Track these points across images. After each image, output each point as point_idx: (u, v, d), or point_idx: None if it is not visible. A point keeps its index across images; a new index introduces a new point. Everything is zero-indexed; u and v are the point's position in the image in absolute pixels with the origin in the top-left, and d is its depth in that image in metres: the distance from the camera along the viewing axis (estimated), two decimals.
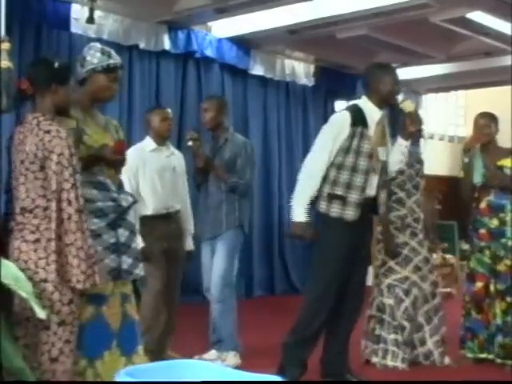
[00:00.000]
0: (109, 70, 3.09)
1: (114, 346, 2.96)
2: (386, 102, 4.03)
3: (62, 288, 2.66)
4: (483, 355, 4.67)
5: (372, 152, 3.89)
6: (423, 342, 4.64)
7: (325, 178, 3.89)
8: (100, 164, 3.00)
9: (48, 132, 2.69)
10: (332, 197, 3.87)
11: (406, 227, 4.64)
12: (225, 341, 4.47)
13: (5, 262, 2.54)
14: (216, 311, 4.48)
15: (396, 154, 4.05)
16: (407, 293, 4.60)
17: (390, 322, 4.57)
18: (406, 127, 4.03)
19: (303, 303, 4.04)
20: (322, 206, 3.90)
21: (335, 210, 3.87)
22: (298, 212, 3.83)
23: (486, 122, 4.71)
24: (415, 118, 4.05)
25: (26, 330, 2.65)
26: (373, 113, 3.97)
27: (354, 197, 3.86)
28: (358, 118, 3.91)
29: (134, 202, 3.13)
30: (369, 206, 3.95)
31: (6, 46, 3.69)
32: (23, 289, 2.45)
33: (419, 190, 4.73)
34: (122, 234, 3.01)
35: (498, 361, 4.59)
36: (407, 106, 4.01)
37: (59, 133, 2.69)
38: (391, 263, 4.63)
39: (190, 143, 4.55)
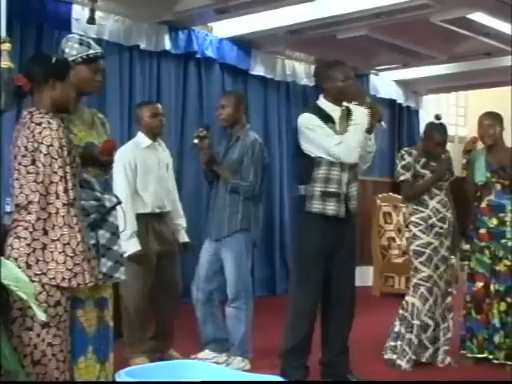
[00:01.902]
0: (89, 60, 3.02)
1: (89, 352, 2.90)
2: (339, 99, 3.99)
3: (49, 289, 2.58)
4: (483, 355, 4.68)
5: None
6: (436, 341, 4.68)
7: (314, 178, 3.90)
8: (87, 163, 2.92)
9: (39, 124, 2.62)
10: (326, 194, 3.88)
11: (431, 228, 4.65)
12: (235, 345, 4.44)
13: (5, 262, 2.51)
14: (230, 316, 4.46)
15: (363, 148, 3.99)
16: (430, 291, 4.63)
17: (410, 321, 4.60)
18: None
19: (287, 310, 4.03)
20: (316, 205, 3.90)
21: (332, 208, 3.88)
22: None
23: (491, 122, 4.72)
24: (374, 109, 3.95)
25: (12, 332, 2.57)
26: (332, 111, 3.97)
27: (343, 192, 3.91)
28: (324, 117, 3.92)
29: (118, 202, 3.06)
30: None
31: (6, 46, 3.69)
32: (23, 290, 2.41)
33: (443, 191, 4.72)
34: (103, 235, 2.93)
35: (495, 361, 4.61)
36: None
37: (50, 124, 2.62)
38: (416, 263, 4.65)
39: (195, 141, 4.45)
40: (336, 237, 3.95)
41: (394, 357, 4.62)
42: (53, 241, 2.56)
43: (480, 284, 4.71)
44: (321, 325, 4.09)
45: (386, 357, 4.68)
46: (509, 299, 4.62)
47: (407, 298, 4.67)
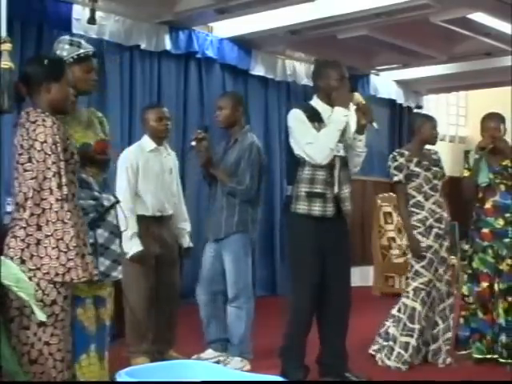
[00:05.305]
0: (80, 59, 3.04)
1: (92, 350, 2.92)
2: (332, 98, 3.94)
3: (45, 287, 2.57)
4: (492, 355, 4.68)
5: None
6: (436, 339, 4.69)
7: (299, 178, 3.89)
8: (85, 163, 2.95)
9: (34, 122, 2.64)
10: (312, 195, 3.86)
11: (430, 229, 4.65)
12: (235, 345, 4.44)
13: (6, 262, 2.51)
14: (230, 315, 4.46)
15: (353, 149, 3.99)
16: (429, 295, 4.64)
17: (407, 324, 4.59)
18: (357, 120, 3.97)
19: (286, 311, 4.03)
20: (301, 206, 3.89)
21: (318, 209, 3.87)
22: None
23: (496, 124, 4.72)
24: (365, 110, 3.95)
25: (11, 332, 2.57)
26: (324, 111, 3.94)
27: (330, 193, 3.87)
28: (312, 115, 3.91)
29: (117, 202, 3.08)
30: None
31: (7, 46, 3.69)
32: (24, 290, 2.41)
33: (438, 192, 4.73)
34: (101, 234, 2.96)
35: (501, 360, 4.59)
36: (356, 98, 3.95)
37: (44, 121, 2.63)
38: (417, 267, 4.64)
39: (193, 143, 4.43)
40: (326, 238, 3.91)
41: (380, 355, 4.62)
42: (46, 236, 2.56)
43: (485, 284, 4.70)
44: (317, 325, 4.08)
45: (371, 352, 4.70)
46: (510, 298, 4.62)
47: (407, 301, 4.63)
